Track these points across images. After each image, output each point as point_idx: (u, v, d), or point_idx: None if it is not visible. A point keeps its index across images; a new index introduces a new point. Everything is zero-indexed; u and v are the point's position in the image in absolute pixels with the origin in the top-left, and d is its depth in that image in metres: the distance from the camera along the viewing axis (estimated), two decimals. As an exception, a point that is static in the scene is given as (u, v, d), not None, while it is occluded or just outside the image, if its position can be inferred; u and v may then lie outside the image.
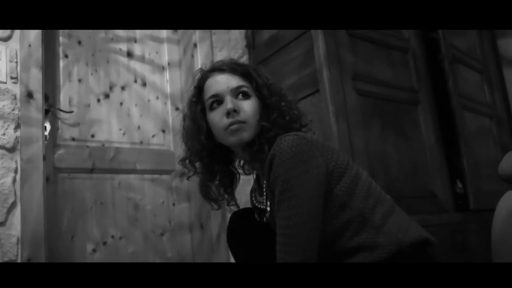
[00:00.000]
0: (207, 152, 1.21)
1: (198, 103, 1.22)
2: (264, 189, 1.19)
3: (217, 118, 1.15)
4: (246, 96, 1.16)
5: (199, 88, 1.22)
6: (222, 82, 1.16)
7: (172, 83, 2.55)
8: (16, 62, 1.92)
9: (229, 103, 1.13)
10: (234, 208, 1.33)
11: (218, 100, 1.16)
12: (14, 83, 1.90)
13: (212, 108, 1.17)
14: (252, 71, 1.19)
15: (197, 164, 1.24)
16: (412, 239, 1.05)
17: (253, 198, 1.29)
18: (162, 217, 2.36)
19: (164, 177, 2.40)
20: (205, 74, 1.22)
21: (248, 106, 1.14)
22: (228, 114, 1.12)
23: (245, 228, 1.31)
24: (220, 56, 2.53)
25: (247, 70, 1.19)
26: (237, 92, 1.16)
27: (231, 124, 1.12)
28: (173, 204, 2.40)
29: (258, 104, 1.16)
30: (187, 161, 1.24)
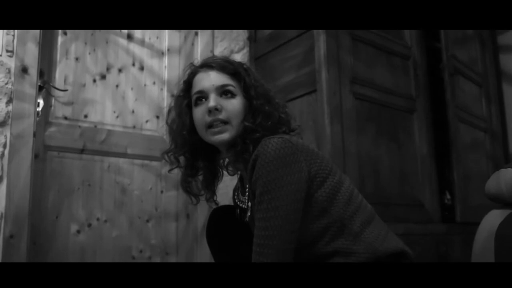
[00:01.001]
0: (190, 147, 1.21)
1: (185, 98, 1.22)
2: (247, 189, 1.18)
3: (199, 114, 1.15)
4: (231, 95, 1.15)
5: (188, 82, 1.22)
6: (209, 79, 1.16)
7: (170, 69, 2.53)
8: (13, 35, 1.89)
9: (211, 101, 1.13)
10: (212, 205, 1.33)
11: (203, 96, 1.16)
12: (10, 56, 1.88)
13: (196, 104, 1.17)
14: (242, 71, 1.18)
15: (181, 158, 1.24)
16: (388, 250, 1.06)
17: (236, 197, 1.28)
18: (149, 203, 2.35)
19: (154, 163, 2.39)
20: (195, 69, 1.21)
21: (231, 106, 1.14)
22: (210, 112, 1.12)
23: (225, 226, 1.30)
24: (221, 46, 2.51)
25: (236, 69, 1.18)
26: (222, 91, 1.15)
27: (212, 122, 1.12)
28: (161, 192, 2.40)
29: (244, 104, 1.15)
30: (169, 154, 1.23)
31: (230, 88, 1.15)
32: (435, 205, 2.29)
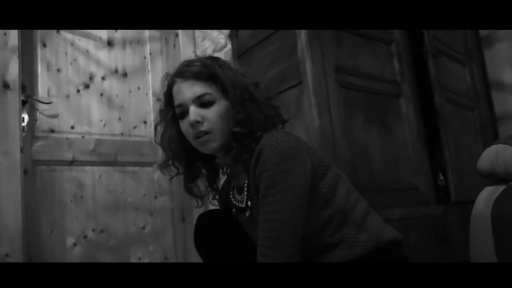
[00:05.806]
0: (184, 154, 1.21)
1: (168, 110, 1.21)
2: (245, 187, 1.17)
3: (185, 128, 1.15)
4: (209, 104, 1.13)
5: (169, 94, 1.20)
6: (185, 92, 1.14)
7: (154, 73, 2.51)
8: (-8, 52, 1.86)
9: (192, 115, 1.12)
10: (216, 204, 1.33)
11: (184, 110, 1.15)
12: (-10, 73, 1.84)
13: (181, 117, 1.16)
14: (218, 71, 1.14)
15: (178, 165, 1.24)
16: (389, 238, 1.10)
17: (231, 196, 1.26)
18: (144, 209, 2.33)
19: (146, 169, 2.37)
20: (171, 80, 1.19)
21: (212, 114, 1.12)
22: (192, 125, 1.12)
23: (216, 231, 1.30)
24: (202, 46, 2.49)
25: (212, 72, 1.14)
26: (200, 101, 1.13)
27: (197, 134, 1.12)
28: (155, 197, 2.38)
29: (226, 106, 1.13)
30: (167, 165, 1.23)
31: (207, 97, 1.13)
32: (429, 187, 2.29)
